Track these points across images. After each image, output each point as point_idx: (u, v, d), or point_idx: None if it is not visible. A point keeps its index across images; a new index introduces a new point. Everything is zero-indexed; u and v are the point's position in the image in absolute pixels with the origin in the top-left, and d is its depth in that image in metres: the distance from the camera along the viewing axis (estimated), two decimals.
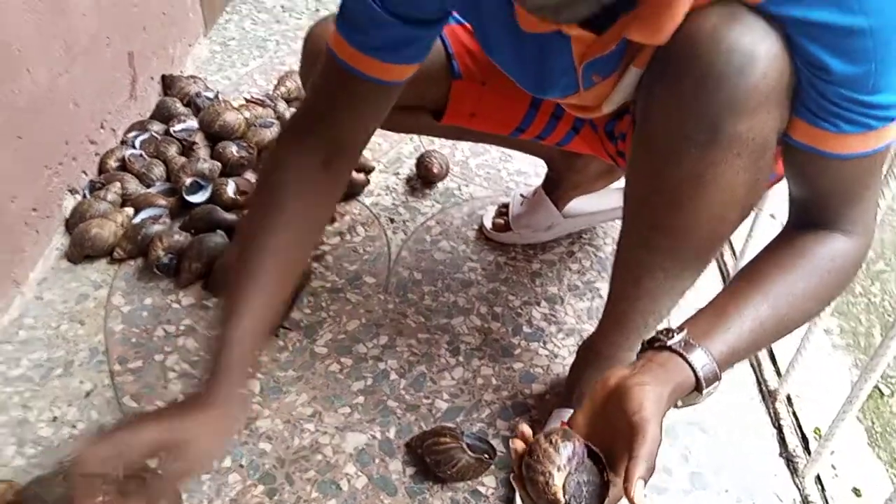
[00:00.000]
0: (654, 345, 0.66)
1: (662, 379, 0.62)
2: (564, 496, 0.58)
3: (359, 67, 0.75)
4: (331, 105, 0.79)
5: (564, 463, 0.59)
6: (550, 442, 0.60)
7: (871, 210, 0.72)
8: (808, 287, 0.70)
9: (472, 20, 0.81)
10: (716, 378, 0.64)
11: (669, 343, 0.64)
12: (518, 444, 0.63)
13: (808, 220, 0.72)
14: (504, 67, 0.83)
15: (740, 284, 0.70)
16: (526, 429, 0.65)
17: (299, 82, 1.57)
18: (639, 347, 0.87)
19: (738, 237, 1.14)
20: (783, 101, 0.64)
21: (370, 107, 0.80)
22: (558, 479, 0.58)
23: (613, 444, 0.61)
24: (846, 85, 0.61)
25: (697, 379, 0.63)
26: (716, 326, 0.66)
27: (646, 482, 0.58)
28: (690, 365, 0.63)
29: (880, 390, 1.29)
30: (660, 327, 0.71)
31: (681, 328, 0.66)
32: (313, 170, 0.80)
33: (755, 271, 0.71)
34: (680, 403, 0.65)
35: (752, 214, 1.10)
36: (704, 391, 0.64)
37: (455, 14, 0.84)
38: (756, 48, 0.61)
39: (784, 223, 0.74)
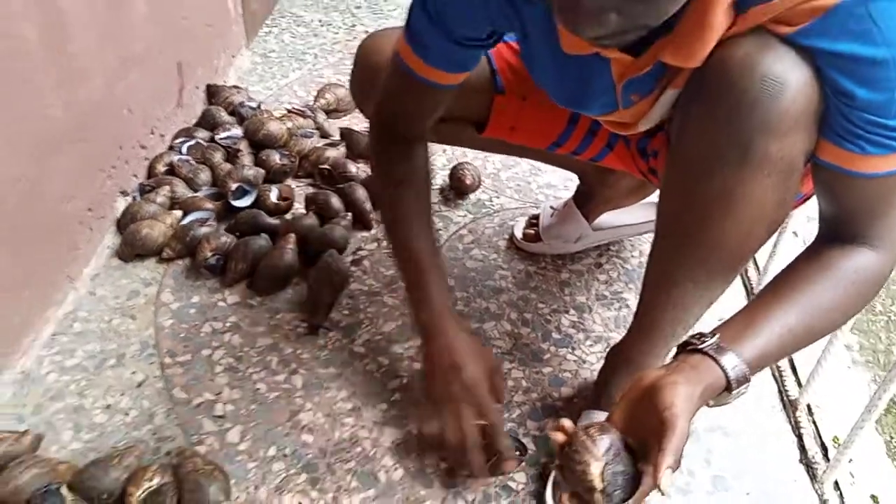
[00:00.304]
0: (687, 348, 0.70)
1: (694, 379, 0.67)
2: (601, 483, 0.62)
3: (421, 74, 0.87)
4: (406, 105, 0.93)
5: (602, 454, 0.63)
6: (588, 434, 0.64)
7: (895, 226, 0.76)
8: (834, 298, 0.74)
9: (519, 40, 0.86)
10: (745, 380, 0.68)
11: (702, 346, 0.69)
12: (558, 436, 0.68)
13: (835, 235, 0.76)
14: (546, 86, 0.88)
15: (769, 295, 0.75)
16: (567, 422, 0.69)
17: (338, 94, 1.64)
18: (666, 354, 0.92)
19: (761, 254, 1.19)
20: (811, 125, 0.69)
21: (432, 104, 0.93)
22: (595, 469, 0.63)
23: (646, 438, 0.66)
24: (870, 111, 0.65)
25: (728, 380, 0.68)
26: (746, 332, 0.71)
27: (673, 471, 0.63)
28: (721, 367, 0.68)
29: None
30: (692, 332, 0.76)
31: (713, 333, 0.70)
32: (410, 152, 0.98)
33: (783, 283, 0.75)
34: (711, 403, 0.70)
35: (777, 232, 1.14)
36: (734, 392, 0.68)
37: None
38: (787, 76, 0.66)
39: (813, 238, 0.78)
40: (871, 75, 0.64)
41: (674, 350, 0.75)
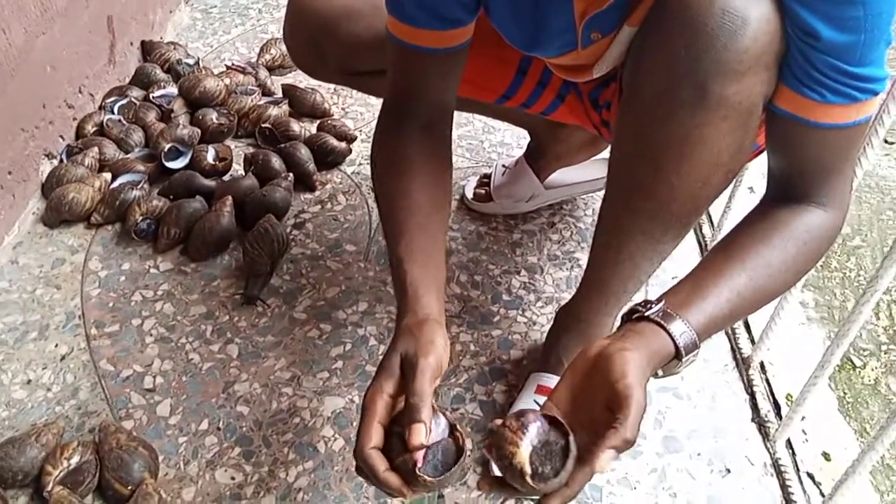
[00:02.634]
0: (633, 316, 0.66)
1: (642, 346, 0.63)
2: (530, 467, 0.59)
3: (415, 42, 0.77)
4: (411, 81, 0.81)
5: (527, 440, 0.60)
6: (508, 426, 0.61)
7: (848, 183, 0.72)
8: (785, 258, 0.70)
9: None
10: (695, 347, 0.65)
11: (648, 314, 0.65)
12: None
13: (784, 192, 0.72)
14: (501, 26, 0.82)
15: (717, 256, 0.71)
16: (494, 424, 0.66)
17: (283, 50, 1.56)
18: (618, 313, 0.89)
19: (716, 209, 1.15)
20: (772, 66, 0.64)
21: (439, 73, 0.81)
22: (524, 454, 0.60)
23: (597, 412, 0.62)
24: (834, 53, 0.61)
25: (677, 347, 0.64)
26: (694, 297, 0.67)
27: (624, 450, 0.59)
28: (669, 334, 0.64)
29: (853, 362, 1.31)
30: (637, 299, 0.72)
31: (659, 299, 0.66)
32: (419, 137, 0.82)
33: (732, 244, 0.71)
34: (660, 373, 0.66)
35: (731, 187, 1.11)
36: (684, 359, 0.64)
37: None
38: (748, 11, 0.61)
39: (761, 197, 0.75)
40: (838, 13, 0.59)
41: (618, 320, 0.70)
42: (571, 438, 0.60)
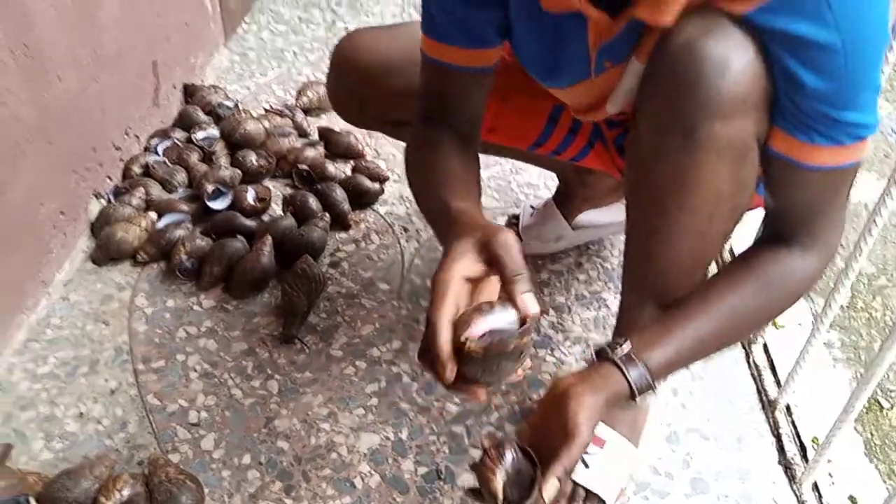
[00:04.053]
0: (601, 354, 0.74)
1: (600, 388, 0.71)
2: (502, 493, 0.67)
3: (448, 60, 0.82)
4: (441, 97, 0.87)
5: (503, 468, 0.68)
6: (489, 454, 0.69)
7: (834, 227, 0.76)
8: (755, 306, 0.77)
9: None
10: (648, 388, 0.72)
11: (612, 356, 0.72)
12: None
13: (774, 233, 0.77)
14: (521, 54, 0.87)
15: (693, 300, 0.77)
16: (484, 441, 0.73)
17: (319, 93, 1.62)
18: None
19: (741, 241, 1.18)
20: (760, 107, 0.68)
21: (470, 91, 0.86)
22: (498, 482, 0.67)
23: (552, 443, 0.69)
24: (818, 99, 0.65)
25: (632, 390, 0.71)
26: (658, 341, 0.74)
27: (565, 478, 0.69)
28: (627, 378, 0.71)
29: (880, 403, 1.32)
30: (609, 338, 0.80)
31: (626, 339, 0.73)
32: (450, 139, 0.86)
33: (709, 288, 0.78)
34: (622, 404, 0.73)
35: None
36: (637, 399, 0.72)
37: None
38: (730, 56, 0.65)
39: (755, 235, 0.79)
40: (820, 61, 0.64)
41: (592, 353, 0.77)
42: (538, 470, 0.67)
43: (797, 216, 0.75)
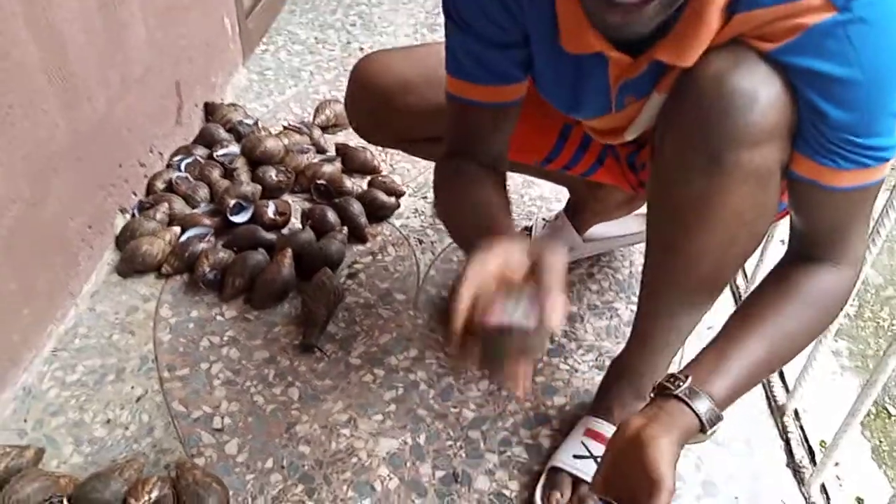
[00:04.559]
0: (664, 392, 0.72)
1: (672, 427, 0.69)
2: None
3: (474, 97, 0.85)
4: (468, 134, 0.89)
5: None
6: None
7: (861, 240, 0.78)
8: (800, 325, 0.77)
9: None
10: (718, 419, 0.71)
11: (676, 392, 0.71)
12: None
13: (803, 249, 0.79)
14: (543, 87, 0.90)
15: (738, 325, 0.77)
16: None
17: (336, 110, 1.67)
18: (664, 363, 0.95)
19: (749, 261, 1.21)
20: (785, 136, 0.71)
21: (497, 126, 0.88)
22: None
23: (633, 492, 0.68)
24: (842, 128, 0.68)
25: (702, 423, 0.70)
26: (717, 371, 0.73)
27: None
28: (695, 412, 0.70)
29: (888, 410, 1.34)
30: (671, 371, 0.78)
31: (685, 374, 0.72)
32: (481, 171, 0.88)
33: (752, 312, 0.77)
34: (690, 441, 0.72)
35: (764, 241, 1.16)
36: (708, 432, 0.71)
37: None
38: (758, 90, 0.68)
39: (784, 252, 0.81)
40: (843, 95, 0.66)
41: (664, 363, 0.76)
42: None
43: (825, 234, 0.76)
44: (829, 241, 0.77)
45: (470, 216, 0.82)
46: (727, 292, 1.27)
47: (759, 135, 0.69)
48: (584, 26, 0.72)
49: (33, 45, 1.05)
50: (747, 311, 0.78)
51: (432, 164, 1.53)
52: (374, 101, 1.07)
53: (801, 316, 0.76)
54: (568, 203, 1.32)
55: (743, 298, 1.22)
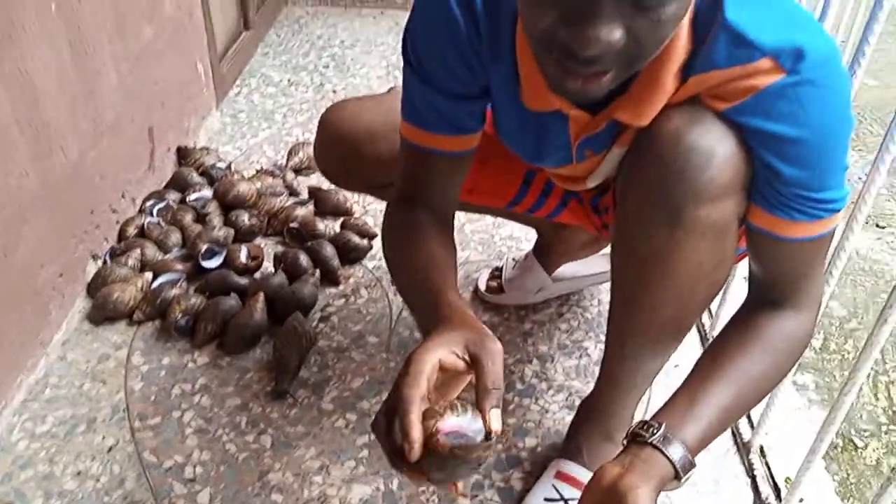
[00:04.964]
0: (637, 439, 0.73)
1: (648, 477, 0.70)
2: None
3: (430, 145, 0.86)
4: (421, 180, 0.89)
5: None
6: None
7: (818, 285, 0.81)
8: (766, 370, 0.79)
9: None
10: (691, 466, 0.72)
11: (650, 440, 0.71)
12: None
13: (763, 296, 0.81)
14: (507, 140, 0.93)
15: (705, 371, 0.78)
16: None
17: (308, 153, 1.69)
18: (632, 403, 0.97)
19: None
20: (740, 191, 0.74)
21: (451, 174, 0.90)
22: None
23: None
24: (795, 185, 0.71)
25: (676, 470, 0.71)
26: (688, 417, 0.74)
27: None
28: (669, 459, 0.71)
29: (854, 443, 1.37)
30: (640, 418, 0.79)
31: (658, 422, 0.73)
32: (430, 222, 0.89)
33: (718, 357, 0.79)
34: (665, 488, 0.72)
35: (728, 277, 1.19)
36: (682, 479, 0.72)
37: None
38: (714, 148, 0.71)
39: (745, 298, 0.84)
40: (794, 153, 0.70)
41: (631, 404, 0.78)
42: None
43: (782, 281, 0.79)
44: (788, 288, 0.80)
45: (417, 280, 0.83)
46: (693, 330, 1.29)
47: (716, 190, 0.72)
48: (544, 86, 0.74)
49: (4, 94, 1.06)
50: (714, 358, 0.80)
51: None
52: (343, 149, 1.08)
53: (765, 361, 0.79)
54: (536, 243, 1.35)
55: (709, 339, 1.25)
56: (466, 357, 0.69)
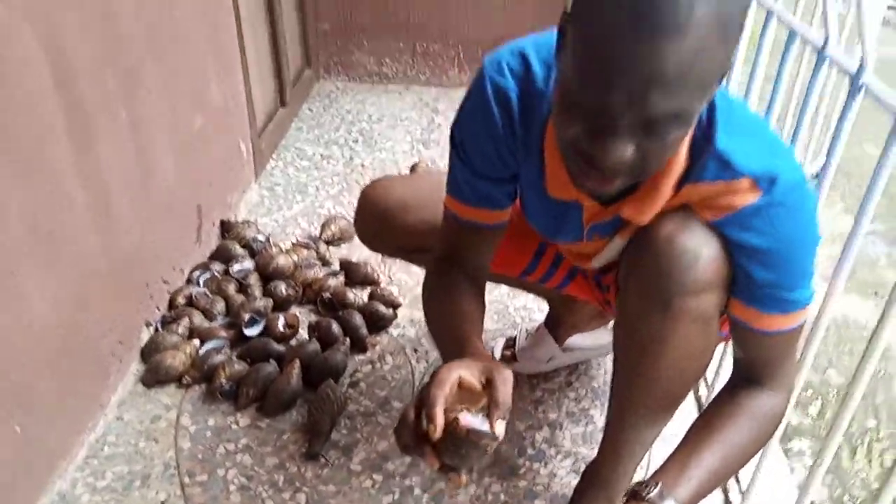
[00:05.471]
0: (636, 497, 0.86)
1: None
2: None
3: (467, 217, 1.02)
4: (459, 245, 1.06)
5: None
6: None
7: (791, 369, 0.95)
8: (749, 437, 0.93)
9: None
10: None
11: (647, 497, 0.85)
12: None
13: (743, 375, 0.95)
14: (531, 219, 1.08)
15: (696, 438, 0.93)
16: None
17: (340, 226, 1.84)
18: (632, 469, 1.09)
19: (709, 371, 1.35)
20: (721, 286, 0.88)
21: (484, 241, 1.06)
22: None
23: None
24: (767, 286, 0.85)
25: None
26: (681, 478, 0.88)
27: None
28: None
29: None
30: (638, 478, 0.92)
31: (655, 480, 0.87)
32: (464, 282, 1.05)
33: (707, 427, 0.94)
34: None
35: (722, 351, 1.31)
36: None
37: None
38: (700, 250, 0.85)
39: (730, 375, 0.96)
40: (766, 261, 0.84)
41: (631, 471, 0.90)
42: None
43: (760, 364, 0.93)
44: (765, 371, 0.93)
45: (448, 325, 1.00)
46: (691, 400, 1.40)
47: (701, 285, 0.86)
48: (566, 179, 0.88)
49: (81, 191, 1.22)
50: (703, 427, 0.94)
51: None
52: (379, 220, 1.24)
53: (751, 431, 0.93)
54: (548, 316, 1.48)
55: (701, 410, 1.37)
56: (483, 380, 0.83)
